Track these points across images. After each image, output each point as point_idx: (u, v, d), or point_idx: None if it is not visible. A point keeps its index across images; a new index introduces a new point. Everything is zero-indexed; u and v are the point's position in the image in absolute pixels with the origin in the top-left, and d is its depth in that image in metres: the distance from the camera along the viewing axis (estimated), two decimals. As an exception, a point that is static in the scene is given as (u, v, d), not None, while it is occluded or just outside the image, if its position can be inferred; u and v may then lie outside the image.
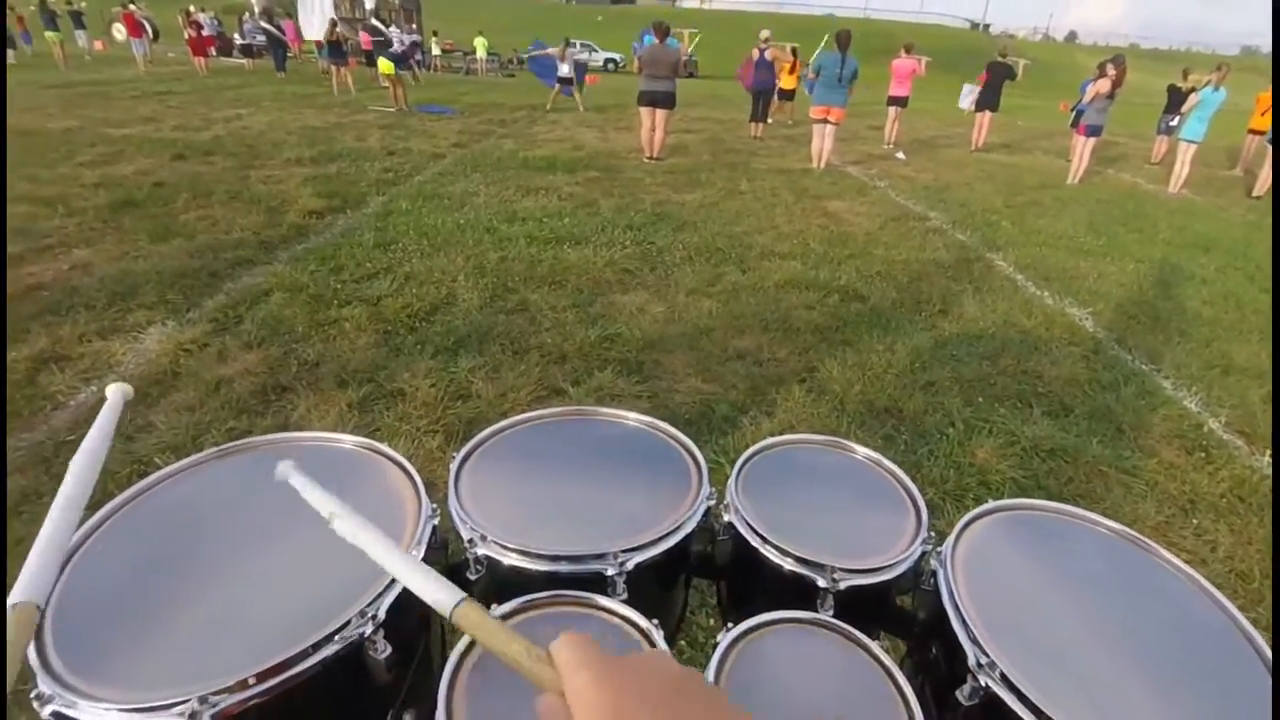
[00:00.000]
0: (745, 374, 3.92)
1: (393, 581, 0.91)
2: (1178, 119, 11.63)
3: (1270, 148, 10.83)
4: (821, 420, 3.50)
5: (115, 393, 1.05)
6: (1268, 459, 3.53)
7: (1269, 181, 10.71)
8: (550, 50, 17.57)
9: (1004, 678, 0.86)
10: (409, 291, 4.76)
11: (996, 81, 13.14)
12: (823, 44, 12.84)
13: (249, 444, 1.18)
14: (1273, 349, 4.38)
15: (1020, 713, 0.84)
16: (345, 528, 0.71)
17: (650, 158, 10.24)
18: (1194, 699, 0.88)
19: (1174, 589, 1.06)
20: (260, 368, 3.69)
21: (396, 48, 16.59)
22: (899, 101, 13.15)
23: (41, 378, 3.52)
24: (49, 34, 20.11)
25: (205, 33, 20.56)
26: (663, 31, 9.75)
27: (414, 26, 22.69)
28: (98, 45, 25.78)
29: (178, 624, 0.84)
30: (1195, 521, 3.01)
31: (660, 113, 9.96)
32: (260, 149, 9.52)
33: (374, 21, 17.69)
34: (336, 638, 0.83)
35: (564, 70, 17.18)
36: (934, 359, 4.25)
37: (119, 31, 23.11)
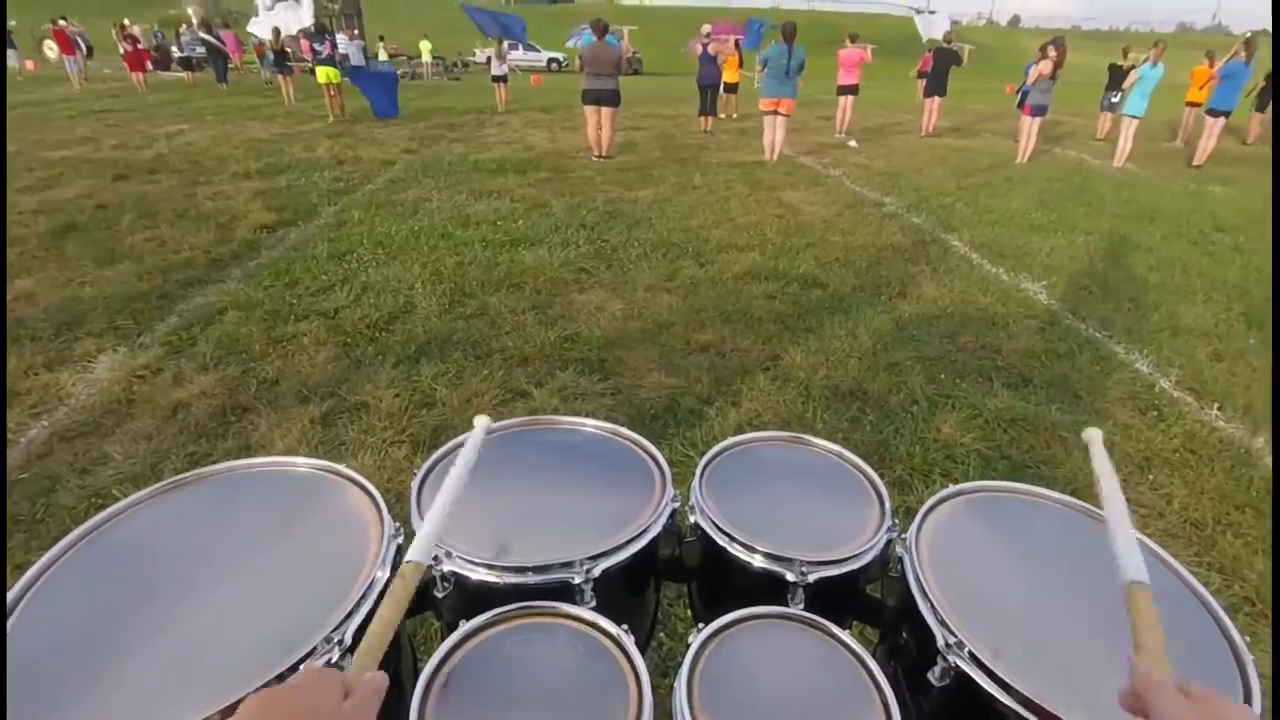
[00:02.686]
0: (709, 366, 3.94)
1: (359, 604, 0.90)
2: (1119, 95, 11.94)
3: (1208, 118, 11.19)
4: (787, 407, 3.53)
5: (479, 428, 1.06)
6: (1216, 412, 3.68)
7: (1208, 151, 11.10)
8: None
9: (972, 656, 0.88)
10: (366, 302, 4.69)
11: (943, 67, 13.33)
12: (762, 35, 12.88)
13: (200, 475, 1.16)
14: (1273, 349, 4.53)
15: (990, 689, 0.85)
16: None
17: (599, 156, 10.20)
18: None
19: None
20: (218, 389, 3.60)
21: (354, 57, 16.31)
22: (849, 90, 13.22)
23: None
24: None
25: (141, 46, 19.87)
26: (601, 29, 9.69)
27: (355, 32, 22.20)
28: (29, 65, 24.79)
29: (137, 665, 0.82)
30: (1151, 477, 3.12)
31: (605, 110, 9.92)
32: (206, 165, 9.29)
33: (310, 28, 17.15)
34: (303, 665, 0.82)
35: (500, 69, 17.13)
36: (895, 340, 4.31)
37: (50, 49, 22.14)
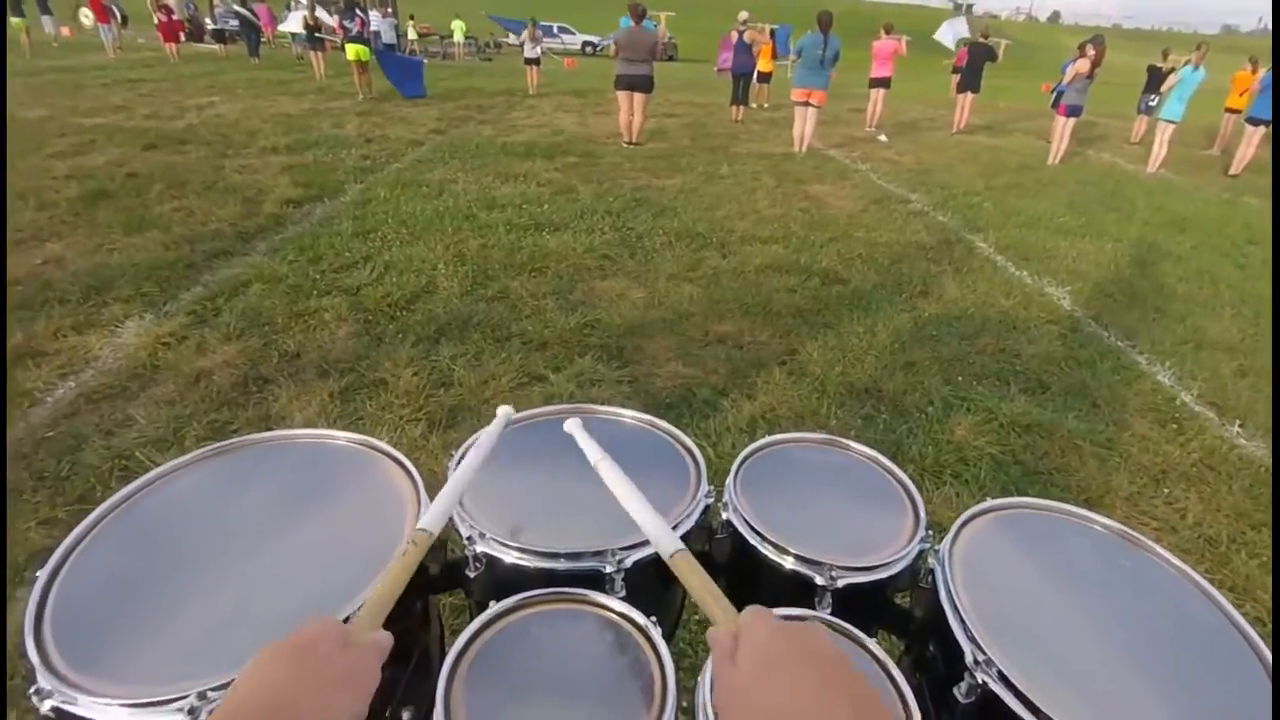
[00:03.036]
0: (726, 358, 3.94)
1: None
2: (1157, 99, 11.72)
3: (1247, 126, 10.93)
4: (801, 401, 3.54)
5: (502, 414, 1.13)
6: (1238, 429, 3.63)
7: (1246, 160, 10.82)
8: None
9: (1001, 675, 0.87)
10: (389, 280, 4.72)
11: (977, 63, 13.09)
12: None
13: (240, 443, 1.17)
14: (1273, 351, 4.47)
15: (1017, 710, 0.84)
16: (605, 471, 0.93)
17: (629, 143, 10.16)
18: (1190, 696, 0.89)
19: (1169, 586, 1.08)
20: (240, 360, 3.65)
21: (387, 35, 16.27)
22: (882, 83, 13.01)
23: (18, 374, 3.46)
24: (13, 20, 19.51)
25: (175, 17, 19.97)
26: (639, 14, 9.57)
27: (389, 10, 22.12)
28: (64, 31, 24.91)
29: (175, 622, 0.84)
30: (1166, 490, 3.10)
31: (638, 97, 9.85)
32: (235, 138, 9.33)
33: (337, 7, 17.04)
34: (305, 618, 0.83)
35: (532, 51, 17.02)
36: (914, 339, 4.29)
37: (86, 17, 22.22)
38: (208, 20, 24.32)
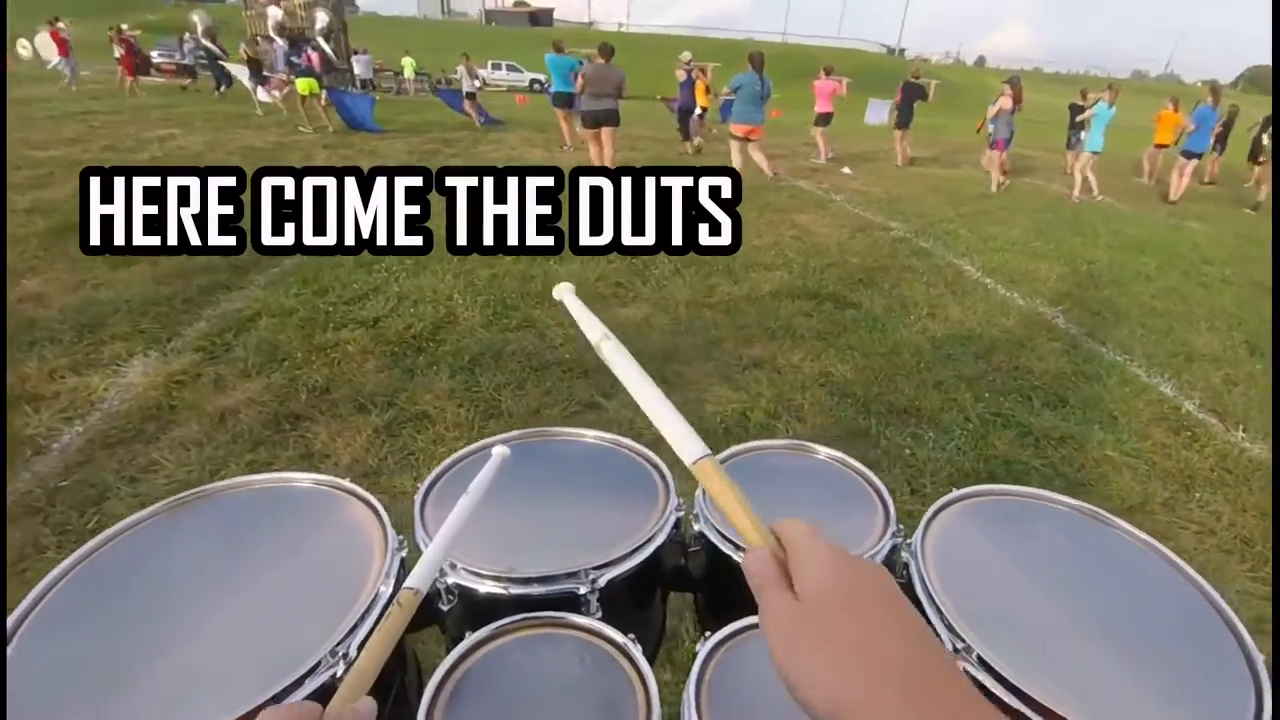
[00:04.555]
0: (768, 381, 3.97)
1: (363, 618, 0.90)
2: (1081, 133, 12.44)
3: (1180, 158, 11.92)
4: (849, 422, 3.58)
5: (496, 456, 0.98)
6: (1241, 434, 3.78)
7: (1182, 189, 11.75)
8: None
9: (981, 661, 0.87)
10: (406, 312, 4.64)
11: (909, 101, 13.88)
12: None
13: (201, 493, 1.15)
14: (1273, 354, 4.62)
15: (999, 694, 0.85)
16: (609, 353, 0.76)
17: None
18: (1165, 667, 0.91)
19: (1137, 560, 1.10)
20: (266, 396, 3.52)
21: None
22: (824, 120, 13.76)
23: (15, 419, 3.24)
24: None
25: (135, 50, 19.50)
26: (607, 53, 9.84)
27: (362, 49, 22.18)
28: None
29: (144, 683, 0.81)
30: (1197, 495, 3.21)
31: (606, 130, 10.03)
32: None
33: (319, 40, 16.86)
34: (307, 680, 0.82)
35: (470, 86, 17.19)
36: (934, 359, 4.40)
37: (24, 49, 21.38)
38: (153, 53, 23.64)
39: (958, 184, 12.12)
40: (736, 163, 10.56)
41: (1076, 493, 2.98)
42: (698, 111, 14.71)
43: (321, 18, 18.75)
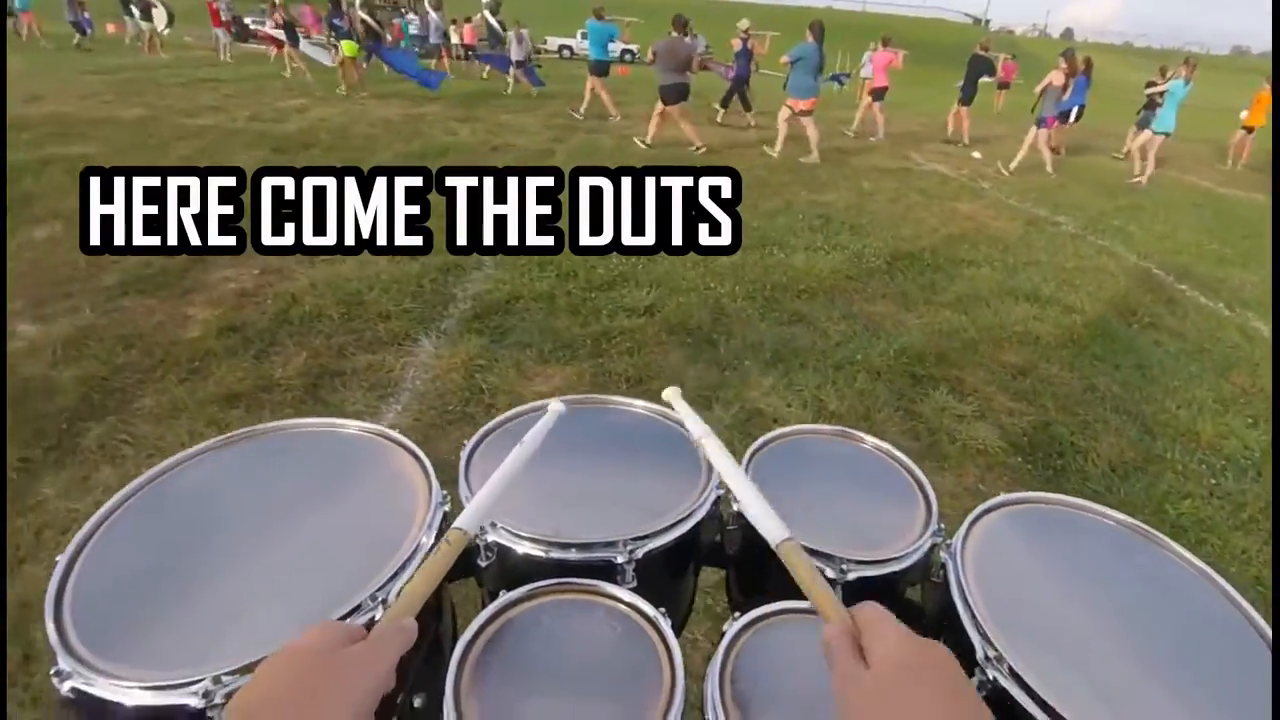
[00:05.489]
0: (1051, 393, 3.90)
1: (404, 566, 0.92)
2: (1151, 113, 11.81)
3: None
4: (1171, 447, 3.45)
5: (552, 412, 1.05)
6: None
7: None
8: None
9: (1012, 672, 0.86)
10: (674, 300, 4.63)
11: (974, 75, 13.16)
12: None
13: (253, 431, 1.19)
14: (1273, 354, 4.35)
15: (1028, 707, 0.84)
16: (711, 448, 0.87)
17: (697, 148, 10.07)
18: (1204, 694, 0.87)
19: (1183, 582, 1.06)
20: (580, 383, 3.56)
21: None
22: (880, 94, 13.18)
23: (323, 393, 3.37)
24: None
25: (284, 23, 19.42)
26: (681, 25, 9.70)
27: (440, 13, 21.53)
28: (110, 28, 24.97)
29: (192, 608, 0.86)
30: None
31: (677, 108, 9.94)
32: (356, 143, 9.08)
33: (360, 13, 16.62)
34: (347, 620, 0.84)
35: (520, 53, 16.94)
36: (1188, 378, 4.21)
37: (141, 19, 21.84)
38: (250, 21, 24.26)
39: (1099, 172, 11.60)
40: (782, 137, 10.28)
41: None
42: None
43: None
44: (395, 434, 1.18)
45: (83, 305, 4.09)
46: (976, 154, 12.33)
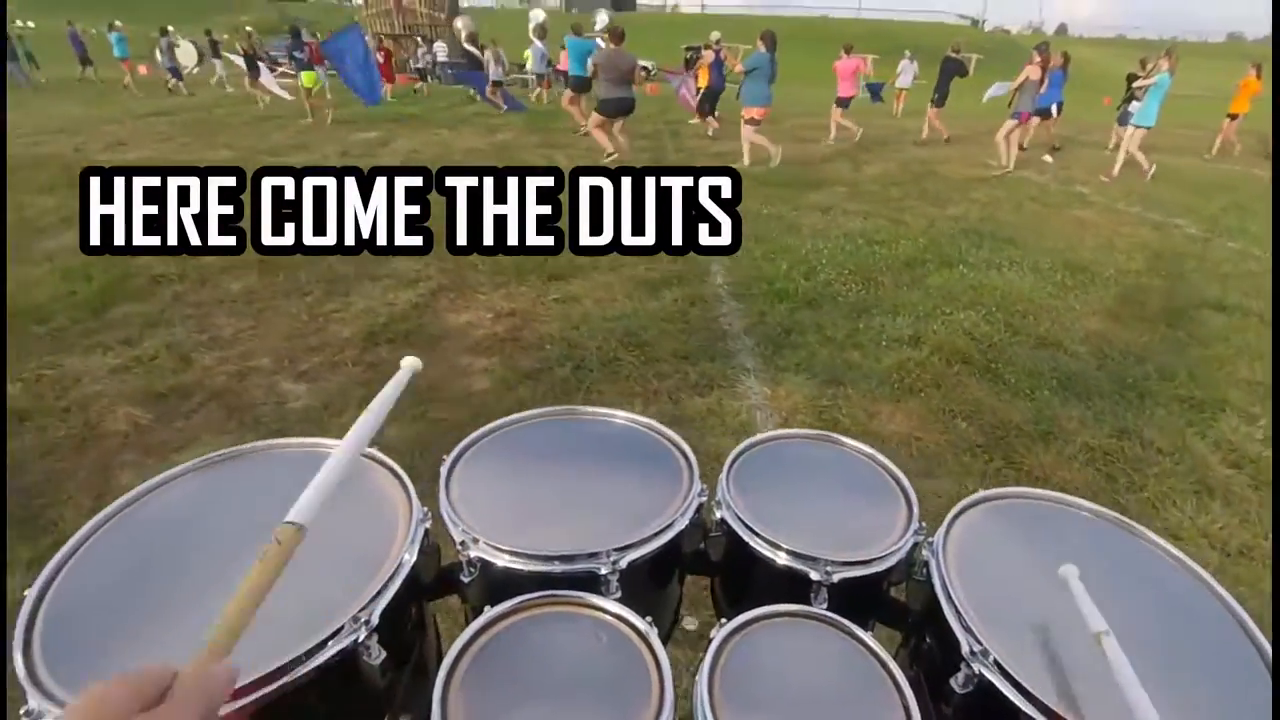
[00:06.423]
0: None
1: (385, 585, 0.91)
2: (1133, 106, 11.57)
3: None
4: None
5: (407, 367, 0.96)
6: None
7: None
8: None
9: (997, 665, 0.86)
10: (937, 328, 4.53)
11: (947, 77, 13.15)
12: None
13: (235, 453, 1.19)
14: (1273, 352, 4.28)
15: (1014, 699, 0.84)
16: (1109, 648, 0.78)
17: (609, 154, 10.00)
18: (1185, 683, 0.88)
19: (1164, 573, 1.08)
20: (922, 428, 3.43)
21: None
22: (845, 102, 13.31)
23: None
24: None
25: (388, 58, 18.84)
26: (618, 36, 9.54)
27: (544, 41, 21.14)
28: (142, 70, 23.19)
29: (169, 634, 0.84)
30: None
31: (618, 121, 9.97)
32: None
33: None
34: (330, 644, 0.84)
35: (498, 73, 16.90)
36: None
37: (176, 52, 21.22)
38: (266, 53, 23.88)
39: (1178, 171, 11.37)
40: (753, 145, 10.23)
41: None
42: (698, 91, 14.37)
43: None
44: (375, 451, 1.17)
45: (341, 360, 3.98)
46: (1048, 158, 12.24)
